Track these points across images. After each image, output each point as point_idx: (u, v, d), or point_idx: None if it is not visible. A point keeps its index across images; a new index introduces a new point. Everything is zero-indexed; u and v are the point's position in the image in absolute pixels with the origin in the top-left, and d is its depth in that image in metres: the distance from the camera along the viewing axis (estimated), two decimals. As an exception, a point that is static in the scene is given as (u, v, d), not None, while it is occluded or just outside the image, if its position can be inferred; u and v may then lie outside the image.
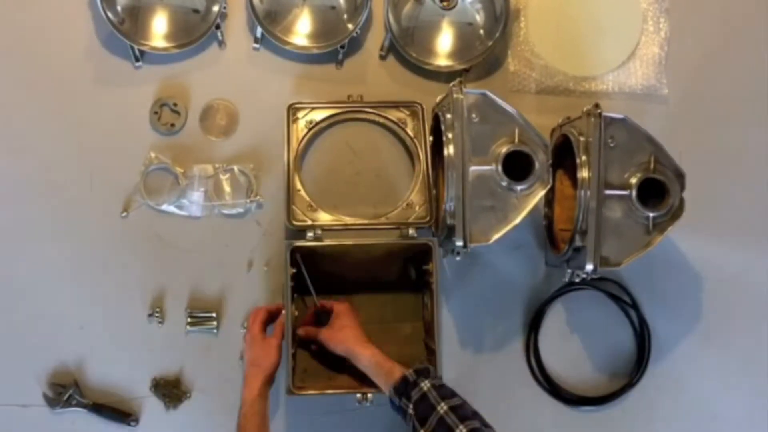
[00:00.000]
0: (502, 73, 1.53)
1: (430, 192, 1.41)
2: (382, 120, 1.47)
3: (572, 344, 1.48)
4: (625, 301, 1.47)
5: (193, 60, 1.50)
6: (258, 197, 1.45)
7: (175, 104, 1.47)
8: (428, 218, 1.40)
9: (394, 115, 1.46)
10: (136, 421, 1.39)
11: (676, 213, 1.30)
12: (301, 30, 1.49)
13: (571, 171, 1.35)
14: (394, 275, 1.43)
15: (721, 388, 1.48)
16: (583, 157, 1.29)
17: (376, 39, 1.52)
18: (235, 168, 1.46)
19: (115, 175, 1.45)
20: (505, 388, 1.43)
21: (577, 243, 1.30)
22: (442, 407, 1.12)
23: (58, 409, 1.38)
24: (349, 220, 1.40)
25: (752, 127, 1.56)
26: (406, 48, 1.49)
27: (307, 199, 1.39)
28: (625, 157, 1.30)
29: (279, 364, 1.30)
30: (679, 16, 1.57)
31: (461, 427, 1.09)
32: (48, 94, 1.48)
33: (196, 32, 1.47)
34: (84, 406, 1.38)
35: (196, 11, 1.48)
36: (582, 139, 1.30)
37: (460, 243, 1.26)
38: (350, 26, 1.47)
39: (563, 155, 1.39)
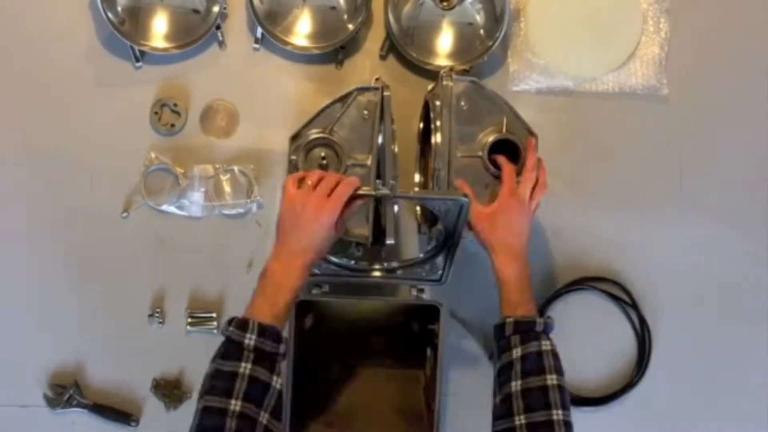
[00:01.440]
0: (502, 73, 1.53)
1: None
2: None
3: (572, 345, 1.47)
4: (624, 300, 1.48)
5: (193, 60, 1.50)
6: (258, 197, 1.45)
7: (176, 104, 1.47)
8: (441, 277, 1.35)
9: None
10: (137, 421, 1.40)
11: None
12: (301, 30, 1.49)
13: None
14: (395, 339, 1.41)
15: (723, 388, 1.48)
16: (437, 123, 1.29)
17: (376, 39, 1.52)
18: (236, 168, 1.46)
19: (115, 176, 1.45)
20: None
21: None
22: (553, 379, 1.03)
23: (58, 409, 1.38)
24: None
25: (752, 127, 1.55)
26: (406, 48, 1.48)
27: None
28: (477, 119, 1.31)
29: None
30: (679, 17, 1.56)
31: (559, 412, 0.99)
32: (48, 95, 1.48)
33: (197, 33, 1.47)
34: (84, 406, 1.38)
35: (196, 12, 1.48)
36: (437, 103, 1.30)
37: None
38: (350, 26, 1.47)
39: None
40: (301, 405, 1.28)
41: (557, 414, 0.99)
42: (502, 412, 1.05)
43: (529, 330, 1.09)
